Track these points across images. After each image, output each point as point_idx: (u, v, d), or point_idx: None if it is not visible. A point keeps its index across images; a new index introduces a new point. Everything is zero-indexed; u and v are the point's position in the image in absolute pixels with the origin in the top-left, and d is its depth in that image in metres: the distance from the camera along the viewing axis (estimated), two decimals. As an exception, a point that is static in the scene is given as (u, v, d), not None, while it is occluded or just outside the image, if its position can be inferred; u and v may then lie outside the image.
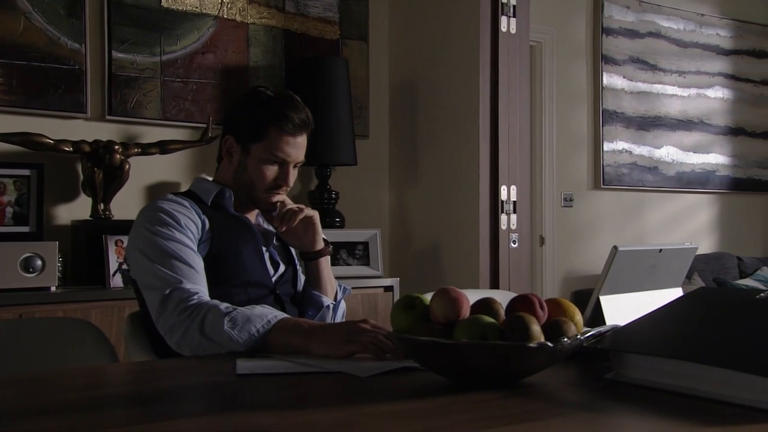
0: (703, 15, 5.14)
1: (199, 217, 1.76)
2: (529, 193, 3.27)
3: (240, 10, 3.31)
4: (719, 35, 5.22)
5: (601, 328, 1.30)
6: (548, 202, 4.43)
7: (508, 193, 3.13)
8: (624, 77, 4.76)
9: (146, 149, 3.00)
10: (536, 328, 1.18)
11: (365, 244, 3.25)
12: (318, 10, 3.50)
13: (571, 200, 4.56)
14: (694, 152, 5.06)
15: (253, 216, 1.90)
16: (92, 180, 2.87)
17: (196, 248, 1.71)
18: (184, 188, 3.18)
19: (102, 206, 2.91)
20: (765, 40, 5.46)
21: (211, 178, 1.89)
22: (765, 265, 5.02)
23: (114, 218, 2.93)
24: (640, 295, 1.54)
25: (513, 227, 3.13)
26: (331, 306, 1.91)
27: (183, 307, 1.57)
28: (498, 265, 3.09)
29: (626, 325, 1.31)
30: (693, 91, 5.08)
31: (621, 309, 1.47)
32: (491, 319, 1.21)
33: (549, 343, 1.16)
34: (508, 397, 1.12)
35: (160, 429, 0.95)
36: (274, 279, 1.84)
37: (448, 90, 3.35)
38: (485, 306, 1.26)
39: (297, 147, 1.82)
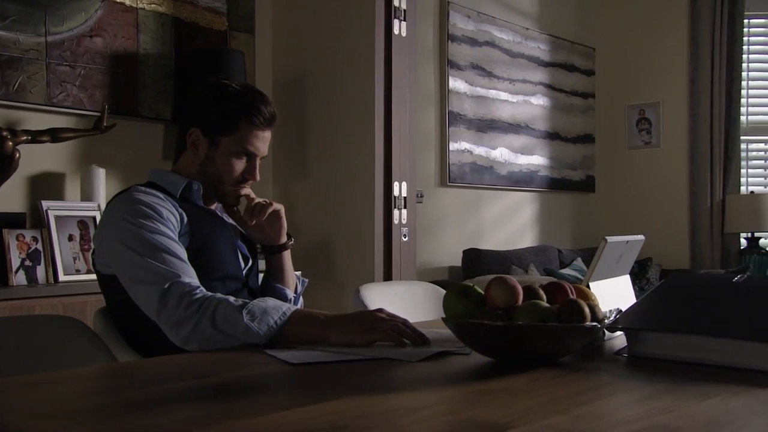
0: (527, 29, 5.62)
1: (177, 210, 1.73)
2: (415, 190, 3.45)
3: (129, -7, 3.16)
4: (540, 48, 5.74)
5: (612, 311, 1.50)
6: (403, 198, 4.62)
7: (399, 189, 3.28)
8: (466, 82, 5.09)
9: (36, 137, 2.77)
10: (588, 312, 1.34)
11: (266, 238, 3.22)
12: (207, 0, 3.41)
13: (422, 196, 4.79)
14: (522, 154, 5.52)
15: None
16: (-23, 169, 2.62)
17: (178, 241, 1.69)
18: (71, 179, 3.00)
19: (-14, 197, 2.66)
20: (573, 55, 6.08)
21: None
22: (578, 256, 5.61)
23: (0, 211, 2.69)
24: (609, 281, 1.75)
25: (404, 222, 3.29)
26: (293, 299, 1.96)
27: (188, 301, 1.55)
28: (391, 258, 3.23)
29: (630, 307, 1.52)
30: (520, 97, 5.54)
31: (601, 294, 1.67)
32: (546, 304, 1.35)
33: (598, 324, 1.33)
34: (561, 376, 1.23)
35: (316, 412, 0.97)
36: (244, 272, 1.86)
37: (341, 88, 3.42)
38: (533, 293, 1.40)
39: (265, 141, 1.86)
